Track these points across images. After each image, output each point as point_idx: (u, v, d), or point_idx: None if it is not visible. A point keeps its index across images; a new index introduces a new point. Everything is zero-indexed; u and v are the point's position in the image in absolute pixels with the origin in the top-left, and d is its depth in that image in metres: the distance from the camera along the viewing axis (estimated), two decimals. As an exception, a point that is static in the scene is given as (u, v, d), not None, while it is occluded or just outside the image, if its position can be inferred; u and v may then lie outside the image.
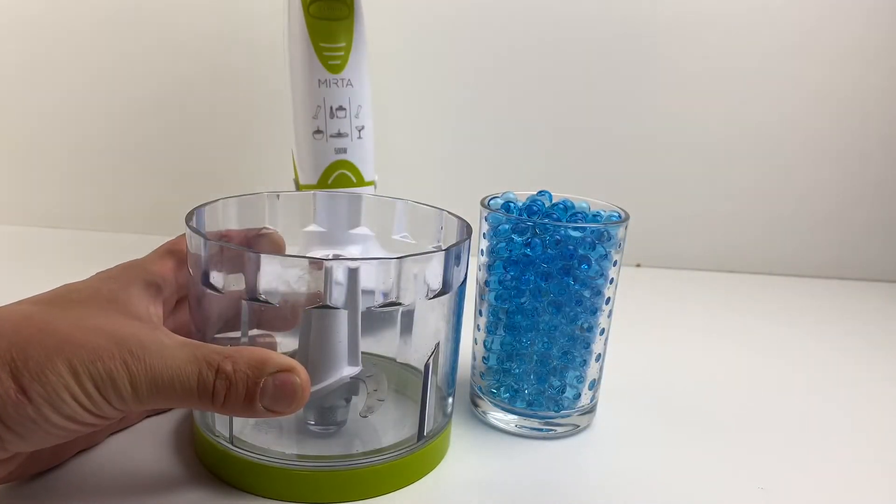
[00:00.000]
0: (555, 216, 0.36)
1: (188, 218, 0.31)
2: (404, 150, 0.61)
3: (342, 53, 0.45)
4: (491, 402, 0.37)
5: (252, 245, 0.35)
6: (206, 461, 0.31)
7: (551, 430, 0.36)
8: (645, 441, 0.36)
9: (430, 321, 0.31)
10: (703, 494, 0.32)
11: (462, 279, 0.32)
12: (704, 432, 0.38)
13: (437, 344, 0.31)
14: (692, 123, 0.66)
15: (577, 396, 0.36)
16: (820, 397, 0.43)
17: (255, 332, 0.31)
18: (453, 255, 0.30)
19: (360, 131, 0.46)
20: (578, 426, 0.37)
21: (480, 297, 0.37)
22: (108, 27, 0.64)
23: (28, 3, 0.63)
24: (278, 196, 0.37)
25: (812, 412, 0.41)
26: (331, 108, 0.45)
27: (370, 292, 0.29)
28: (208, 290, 0.30)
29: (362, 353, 0.31)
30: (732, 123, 0.65)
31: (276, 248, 0.36)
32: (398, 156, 0.57)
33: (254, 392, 0.26)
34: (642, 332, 0.52)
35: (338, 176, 0.46)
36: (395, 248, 0.37)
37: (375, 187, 0.48)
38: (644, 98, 0.65)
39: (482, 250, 0.36)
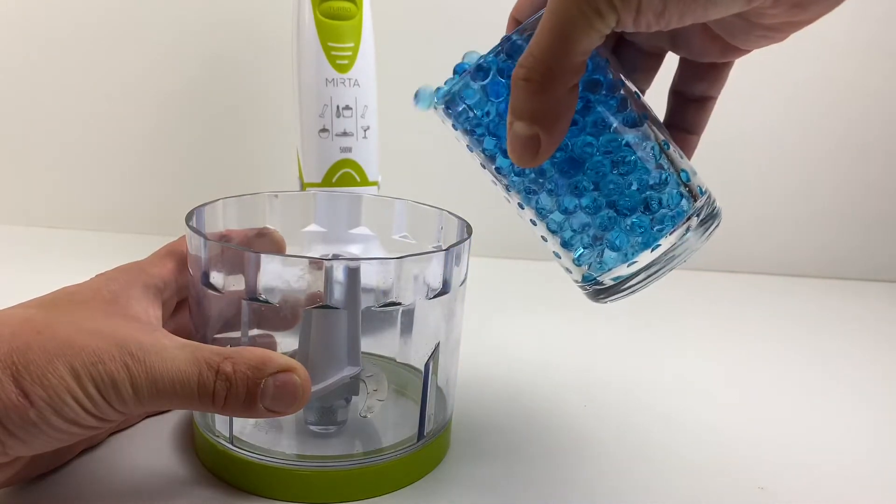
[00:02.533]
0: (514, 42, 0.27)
1: (188, 218, 0.31)
2: (408, 151, 0.61)
3: (350, 53, 0.45)
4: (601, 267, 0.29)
5: (252, 245, 0.35)
6: (206, 461, 0.31)
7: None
8: (645, 441, 0.36)
9: (430, 321, 0.31)
10: (703, 494, 0.32)
11: (462, 279, 0.32)
12: (704, 432, 0.38)
13: (437, 344, 0.31)
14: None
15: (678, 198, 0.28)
16: (820, 397, 0.43)
17: (255, 332, 0.31)
18: (453, 255, 0.30)
19: (365, 131, 0.46)
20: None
21: (507, 196, 0.30)
22: (109, 27, 0.64)
23: (29, 2, 0.63)
24: (278, 196, 0.37)
25: (812, 412, 0.41)
26: (337, 107, 0.45)
27: (370, 290, 0.29)
28: (208, 291, 0.30)
29: (362, 353, 0.31)
30: (731, 123, 0.65)
31: (277, 248, 0.36)
32: (402, 156, 0.57)
33: (254, 393, 0.26)
34: (642, 332, 0.52)
35: (342, 175, 0.46)
36: (395, 248, 0.37)
37: (379, 187, 0.48)
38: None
39: (468, 147, 0.30)
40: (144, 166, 0.67)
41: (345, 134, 0.46)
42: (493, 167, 0.30)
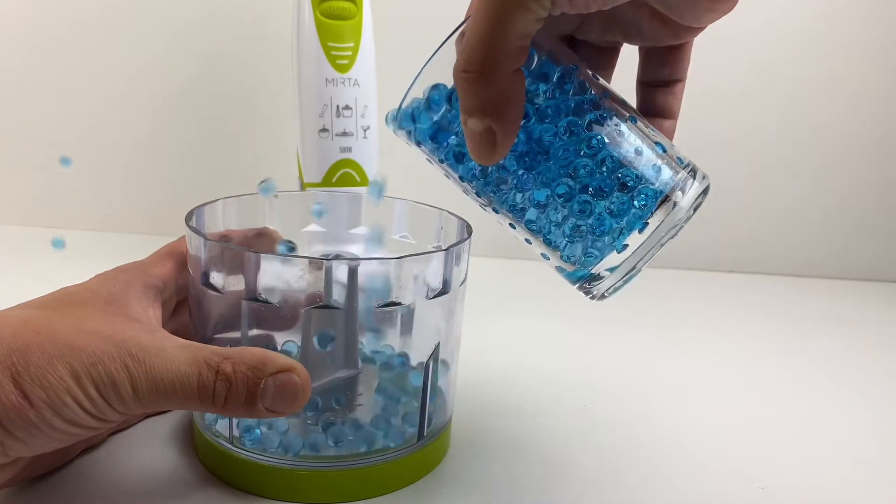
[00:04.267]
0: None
1: (188, 218, 0.31)
2: (408, 151, 0.61)
3: (350, 53, 0.45)
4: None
5: (252, 245, 0.35)
6: (206, 461, 0.31)
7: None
8: (645, 441, 0.36)
9: (430, 321, 0.31)
10: (703, 494, 0.32)
11: (462, 279, 0.32)
12: (704, 432, 0.38)
13: (437, 344, 0.31)
14: (690, 123, 0.66)
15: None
16: (820, 397, 0.43)
17: (255, 332, 0.31)
18: (453, 255, 0.30)
19: (365, 131, 0.46)
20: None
21: (482, 203, 0.30)
22: (109, 27, 0.64)
23: (30, 2, 0.63)
24: (277, 196, 0.37)
25: (812, 412, 0.41)
26: (337, 107, 0.45)
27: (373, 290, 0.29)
28: (208, 291, 0.30)
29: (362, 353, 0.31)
30: (731, 123, 0.65)
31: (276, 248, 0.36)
32: (402, 156, 0.57)
33: (254, 393, 0.26)
34: (642, 332, 0.52)
35: (342, 175, 0.46)
36: (395, 248, 0.37)
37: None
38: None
39: (429, 161, 0.30)
40: (144, 166, 0.67)
41: (345, 134, 0.46)
42: (457, 176, 0.29)
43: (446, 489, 0.31)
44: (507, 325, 0.51)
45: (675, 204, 0.26)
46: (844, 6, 0.63)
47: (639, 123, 0.28)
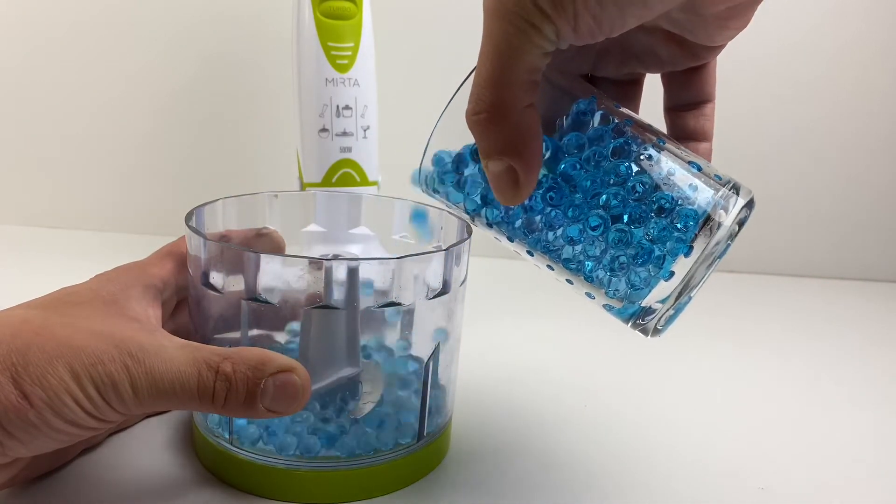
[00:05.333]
0: None
1: (188, 218, 0.31)
2: (408, 151, 0.61)
3: (350, 53, 0.45)
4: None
5: (252, 245, 0.35)
6: (206, 461, 0.31)
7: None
8: (645, 441, 0.36)
9: (430, 321, 0.31)
10: (703, 494, 0.32)
11: (462, 279, 0.32)
12: (704, 432, 0.38)
13: (438, 344, 0.31)
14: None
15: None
16: (820, 397, 0.43)
17: (254, 332, 0.31)
18: (453, 255, 0.30)
19: (365, 131, 0.46)
20: None
21: (524, 246, 0.29)
22: (109, 27, 0.64)
23: (30, 2, 0.63)
24: (277, 196, 0.37)
25: (812, 412, 0.41)
26: (337, 106, 0.45)
27: (371, 288, 0.29)
28: (208, 291, 0.30)
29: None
30: (731, 124, 0.65)
31: (276, 248, 0.36)
32: (402, 156, 0.57)
33: (254, 393, 0.26)
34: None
35: (342, 175, 0.46)
36: (395, 248, 0.37)
37: (379, 187, 0.48)
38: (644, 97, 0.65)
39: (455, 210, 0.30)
40: (144, 166, 0.67)
41: (345, 134, 0.46)
42: (488, 223, 0.29)
43: (446, 489, 0.31)
44: (506, 325, 0.51)
45: (718, 223, 0.25)
46: (843, 6, 0.63)
47: (668, 145, 0.27)
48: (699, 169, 0.26)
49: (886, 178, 0.67)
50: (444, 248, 0.31)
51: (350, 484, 0.30)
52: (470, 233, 0.32)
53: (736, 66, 0.64)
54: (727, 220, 0.26)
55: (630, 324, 0.28)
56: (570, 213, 0.26)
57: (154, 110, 0.66)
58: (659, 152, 0.26)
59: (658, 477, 0.33)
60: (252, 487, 0.30)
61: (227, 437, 0.30)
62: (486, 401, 0.40)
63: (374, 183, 0.47)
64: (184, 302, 0.34)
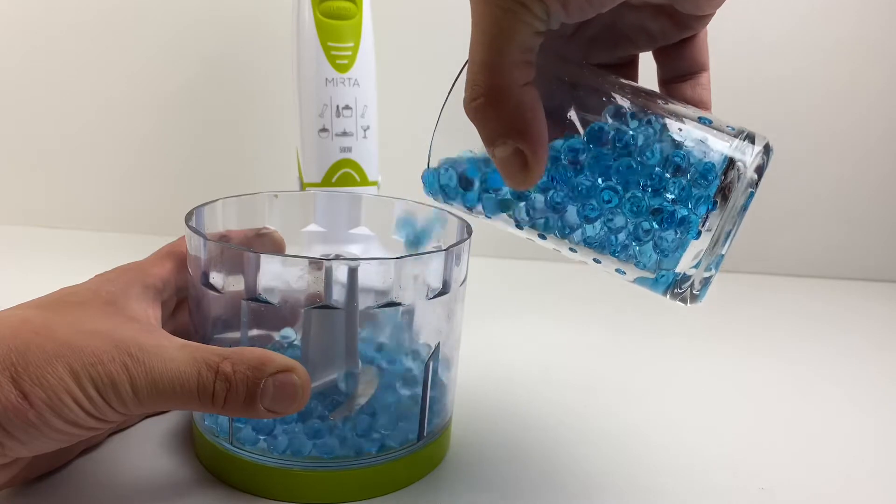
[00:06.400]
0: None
1: (188, 218, 0.31)
2: (408, 151, 0.61)
3: (350, 53, 0.45)
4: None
5: (252, 245, 0.35)
6: (206, 461, 0.31)
7: None
8: (645, 441, 0.36)
9: (430, 321, 0.31)
10: (703, 494, 0.32)
11: (462, 279, 0.32)
12: (704, 432, 0.38)
13: (438, 344, 0.31)
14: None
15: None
16: (820, 397, 0.43)
17: (254, 332, 0.31)
18: (453, 255, 0.30)
19: (365, 131, 0.46)
20: None
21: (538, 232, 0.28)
22: (110, 26, 0.64)
23: (30, 2, 0.63)
24: (277, 196, 0.37)
25: (812, 412, 0.41)
26: (337, 106, 0.45)
27: (371, 290, 0.29)
28: (208, 291, 0.30)
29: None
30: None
31: (276, 248, 0.36)
32: (402, 156, 0.57)
33: (254, 393, 0.26)
34: (642, 332, 0.52)
35: (342, 175, 0.46)
36: (395, 248, 0.37)
37: (379, 187, 0.48)
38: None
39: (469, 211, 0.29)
40: (144, 166, 0.67)
41: (345, 134, 0.46)
42: (511, 218, 0.28)
43: (446, 489, 0.31)
44: (507, 325, 0.51)
45: (738, 173, 0.25)
46: (850, 6, 0.63)
47: (671, 105, 0.26)
48: (709, 123, 0.26)
49: (886, 178, 0.67)
50: (443, 248, 0.31)
51: (350, 484, 0.30)
52: (470, 233, 0.32)
53: (734, 65, 0.64)
54: (746, 169, 0.25)
55: (668, 294, 0.27)
56: (581, 192, 0.26)
57: (154, 110, 0.66)
58: (663, 113, 0.26)
59: (658, 477, 0.33)
60: (252, 487, 0.30)
61: (227, 437, 0.30)
62: (486, 401, 0.40)
63: (374, 183, 0.47)
64: (184, 302, 0.34)
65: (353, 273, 0.28)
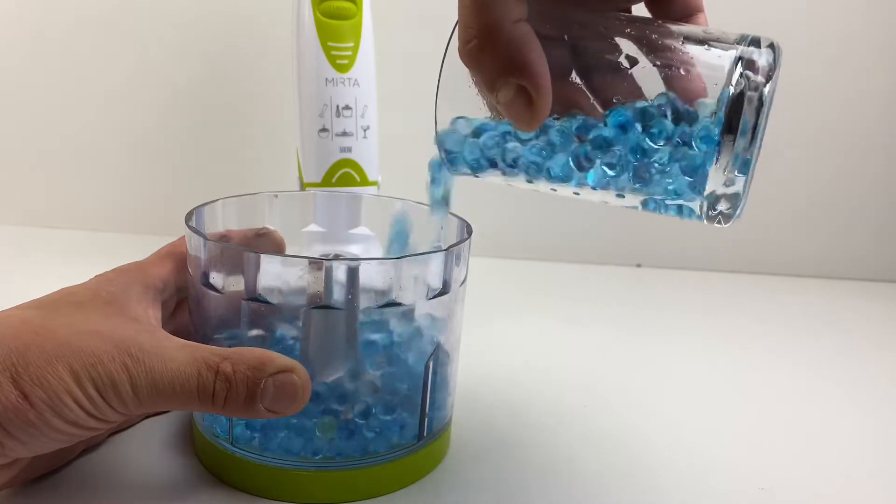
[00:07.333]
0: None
1: (188, 218, 0.31)
2: (408, 151, 0.61)
3: (350, 53, 0.45)
4: None
5: (252, 245, 0.35)
6: (206, 462, 0.31)
7: None
8: (645, 441, 0.36)
9: (430, 321, 0.31)
10: (703, 494, 0.32)
11: (462, 279, 0.32)
12: (704, 432, 0.38)
13: (438, 344, 0.31)
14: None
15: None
16: (820, 397, 0.43)
17: (254, 332, 0.31)
18: (453, 255, 0.30)
19: (365, 131, 0.46)
20: None
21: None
22: (110, 26, 0.64)
23: (29, 2, 0.63)
24: (277, 196, 0.37)
25: (812, 412, 0.41)
26: (337, 106, 0.45)
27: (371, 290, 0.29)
28: (208, 291, 0.30)
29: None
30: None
31: (276, 248, 0.36)
32: (402, 156, 0.57)
33: (254, 393, 0.26)
34: (642, 332, 0.52)
35: (342, 175, 0.46)
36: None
37: (379, 187, 0.48)
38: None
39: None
40: (144, 166, 0.67)
41: (345, 134, 0.46)
42: (545, 178, 0.27)
43: (446, 489, 0.31)
44: (507, 325, 0.51)
45: (747, 78, 0.24)
46: (845, 5, 0.63)
47: (666, 26, 0.25)
48: (706, 32, 0.25)
49: (886, 178, 0.67)
50: (444, 248, 0.31)
51: (350, 484, 0.30)
52: (470, 233, 0.32)
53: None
54: (756, 72, 0.24)
55: (705, 216, 0.26)
56: (588, 126, 0.25)
57: (154, 110, 0.66)
58: (655, 35, 0.25)
59: (657, 477, 0.33)
60: (252, 487, 0.30)
61: (227, 437, 0.30)
62: (486, 401, 0.40)
63: (374, 183, 0.47)
64: (184, 302, 0.34)
65: (353, 273, 0.28)
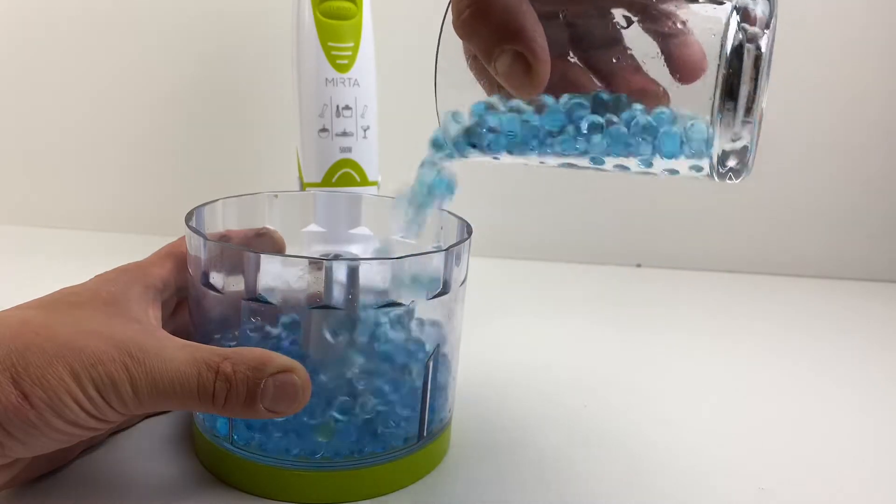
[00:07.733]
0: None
1: (188, 218, 0.31)
2: (408, 151, 0.61)
3: (350, 53, 0.45)
4: None
5: (252, 245, 0.35)
6: (206, 461, 0.31)
7: None
8: (645, 441, 0.36)
9: (430, 321, 0.31)
10: (703, 494, 0.32)
11: (462, 279, 0.32)
12: (704, 432, 0.38)
13: (438, 344, 0.31)
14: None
15: None
16: (820, 397, 0.43)
17: (254, 332, 0.31)
18: (453, 255, 0.30)
19: (365, 131, 0.46)
20: None
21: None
22: (108, 26, 0.64)
23: (28, 2, 0.63)
24: (277, 196, 0.37)
25: (812, 412, 0.41)
26: (337, 106, 0.45)
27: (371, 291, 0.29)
28: (208, 291, 0.30)
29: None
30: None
31: (276, 248, 0.36)
32: (402, 156, 0.57)
33: (254, 393, 0.26)
34: (642, 332, 0.52)
35: (342, 175, 0.46)
36: (395, 248, 0.37)
37: (379, 187, 0.48)
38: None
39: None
40: (144, 166, 0.67)
41: (345, 134, 0.46)
42: (554, 152, 0.27)
43: (446, 489, 0.31)
44: (507, 325, 0.51)
45: (745, 30, 0.23)
46: (843, 6, 0.63)
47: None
48: None
49: (886, 178, 0.67)
50: (444, 248, 0.31)
51: (350, 484, 0.30)
52: (470, 233, 0.32)
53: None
54: (752, 24, 0.24)
55: (716, 174, 0.26)
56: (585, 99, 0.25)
57: (154, 110, 0.66)
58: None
59: (657, 476, 0.33)
60: (252, 487, 0.30)
61: (227, 437, 0.30)
62: (486, 401, 0.40)
63: (374, 183, 0.47)
64: (184, 302, 0.34)
65: (353, 273, 0.28)
